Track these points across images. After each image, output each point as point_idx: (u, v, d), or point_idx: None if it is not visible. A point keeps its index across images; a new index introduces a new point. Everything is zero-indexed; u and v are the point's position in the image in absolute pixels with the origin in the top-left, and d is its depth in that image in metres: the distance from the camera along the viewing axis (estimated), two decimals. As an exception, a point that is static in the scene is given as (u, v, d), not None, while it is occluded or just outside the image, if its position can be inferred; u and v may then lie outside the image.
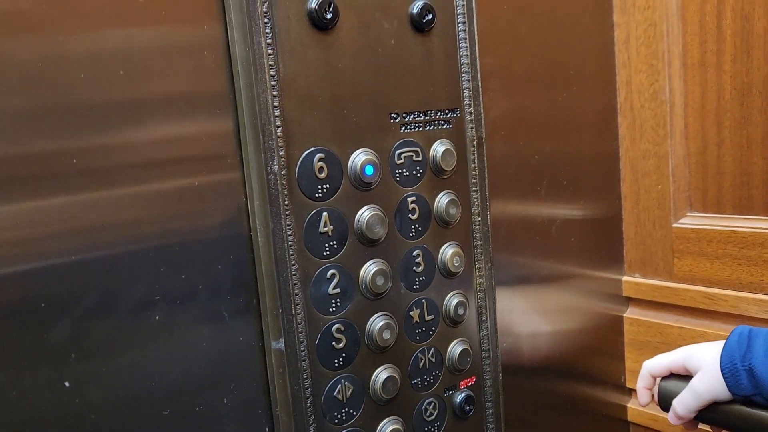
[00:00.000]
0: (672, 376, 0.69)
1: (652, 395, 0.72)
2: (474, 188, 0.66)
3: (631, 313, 0.86)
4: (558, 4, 0.76)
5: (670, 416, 0.69)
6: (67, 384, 0.45)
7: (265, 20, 0.50)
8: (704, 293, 0.77)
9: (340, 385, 0.58)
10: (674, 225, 0.79)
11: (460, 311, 0.65)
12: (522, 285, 0.77)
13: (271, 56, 0.51)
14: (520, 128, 0.73)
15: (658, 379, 0.71)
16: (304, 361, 0.55)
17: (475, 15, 0.64)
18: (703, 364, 0.67)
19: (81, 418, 0.46)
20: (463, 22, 0.63)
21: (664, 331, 0.82)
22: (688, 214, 0.79)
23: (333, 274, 0.56)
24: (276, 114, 0.52)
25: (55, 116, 0.44)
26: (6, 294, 0.42)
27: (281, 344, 0.54)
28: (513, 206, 0.74)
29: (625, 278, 0.86)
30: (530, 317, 0.78)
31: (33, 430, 0.44)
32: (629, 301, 0.87)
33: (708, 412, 0.65)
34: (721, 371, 0.64)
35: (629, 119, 0.81)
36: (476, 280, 0.67)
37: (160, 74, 0.48)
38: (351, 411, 0.59)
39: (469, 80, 0.64)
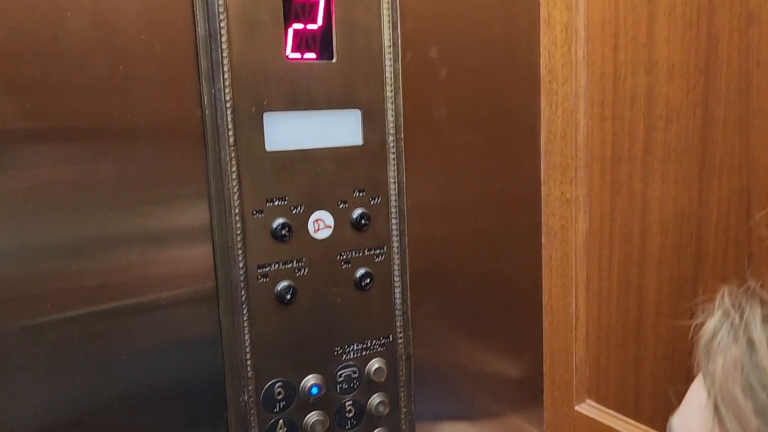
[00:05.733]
0: None
1: None
2: (402, 389, 0.91)
3: (547, 462, 1.09)
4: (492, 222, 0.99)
5: None
6: None
7: (243, 306, 0.78)
8: (590, 465, 1.00)
9: None
10: (576, 407, 1.02)
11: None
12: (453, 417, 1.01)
13: (246, 328, 0.78)
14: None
15: None
16: None
17: (408, 273, 0.89)
18: None
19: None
20: (398, 277, 0.88)
21: (567, 483, 1.04)
22: (587, 401, 1.01)
23: (285, 460, 0.83)
24: (248, 364, 0.79)
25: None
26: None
27: (244, 508, 0.81)
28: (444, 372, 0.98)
29: (543, 435, 1.09)
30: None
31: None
32: (547, 453, 1.10)
33: None
34: None
35: (549, 319, 1.04)
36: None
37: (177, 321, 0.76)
38: None
39: (401, 315, 0.89)
